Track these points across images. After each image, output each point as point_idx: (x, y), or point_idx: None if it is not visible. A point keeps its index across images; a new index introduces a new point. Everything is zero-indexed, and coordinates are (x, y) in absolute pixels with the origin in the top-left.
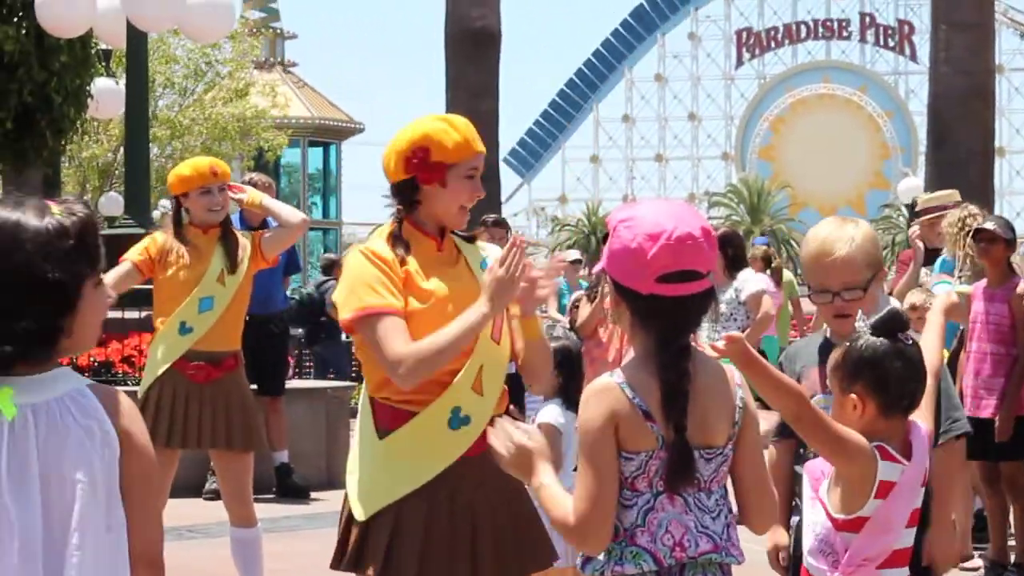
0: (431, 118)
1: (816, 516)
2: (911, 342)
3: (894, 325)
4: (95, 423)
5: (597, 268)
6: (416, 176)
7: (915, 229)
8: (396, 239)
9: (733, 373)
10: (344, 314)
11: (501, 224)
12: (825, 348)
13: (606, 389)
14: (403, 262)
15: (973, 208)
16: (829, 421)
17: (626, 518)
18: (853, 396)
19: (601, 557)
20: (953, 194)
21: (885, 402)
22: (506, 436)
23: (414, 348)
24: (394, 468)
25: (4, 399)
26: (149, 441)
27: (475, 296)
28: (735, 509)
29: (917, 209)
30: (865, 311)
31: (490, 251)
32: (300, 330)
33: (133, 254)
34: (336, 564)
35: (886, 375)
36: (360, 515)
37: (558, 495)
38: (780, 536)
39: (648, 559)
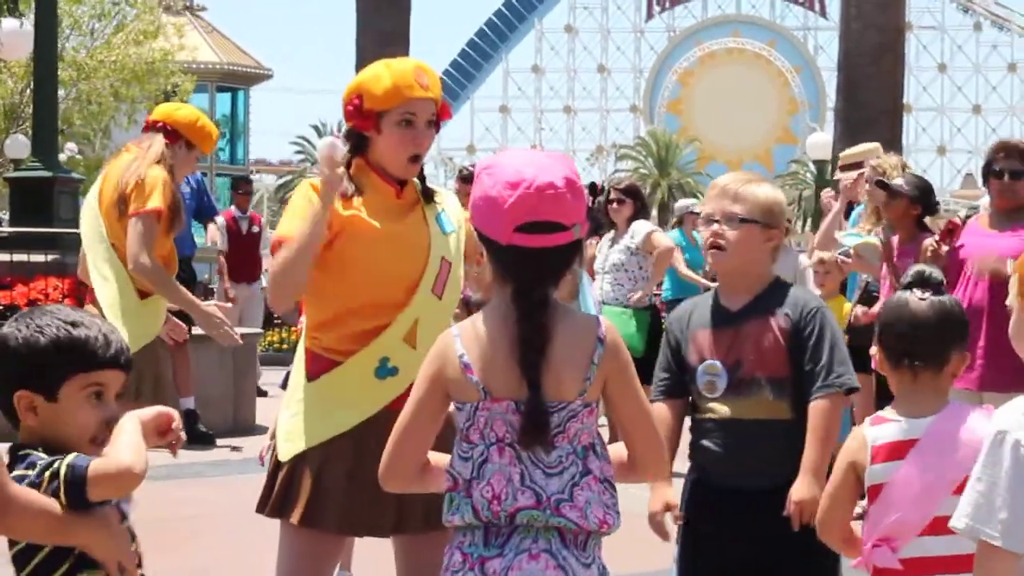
0: (378, 63)
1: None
2: (927, 295)
3: (919, 280)
4: None
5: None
6: (354, 124)
7: (828, 191)
8: (346, 180)
9: (598, 327)
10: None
11: (470, 179)
12: (717, 312)
13: (442, 339)
14: (347, 198)
15: (895, 159)
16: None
17: (464, 470)
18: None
19: (444, 505)
20: (876, 148)
21: (885, 350)
22: None
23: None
24: (318, 413)
25: None
26: None
27: (420, 242)
28: (604, 470)
29: (840, 165)
30: (742, 259)
31: (447, 202)
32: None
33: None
34: (261, 508)
35: (886, 324)
36: (282, 456)
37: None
38: (668, 494)
39: (469, 512)
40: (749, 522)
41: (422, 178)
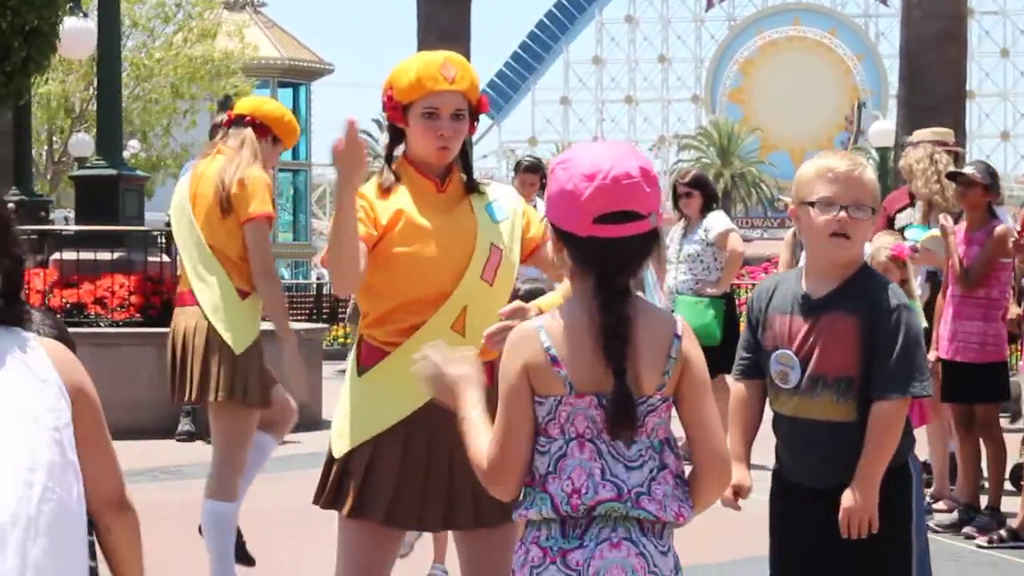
0: (410, 57)
1: None
2: None
3: None
4: (49, 377)
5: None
6: (388, 116)
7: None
8: (385, 171)
9: (677, 323)
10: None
11: (534, 169)
12: (798, 297)
13: (522, 334)
14: (387, 193)
15: (933, 147)
16: None
17: (540, 464)
18: None
19: (518, 500)
20: (948, 133)
21: None
22: (432, 361)
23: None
24: (368, 406)
25: None
26: (93, 389)
27: (466, 233)
28: (678, 465)
29: (914, 140)
30: (860, 249)
31: (498, 192)
32: None
33: None
34: (317, 500)
35: None
36: (335, 452)
37: (478, 431)
38: (743, 476)
39: (548, 505)
40: (823, 518)
41: (468, 171)
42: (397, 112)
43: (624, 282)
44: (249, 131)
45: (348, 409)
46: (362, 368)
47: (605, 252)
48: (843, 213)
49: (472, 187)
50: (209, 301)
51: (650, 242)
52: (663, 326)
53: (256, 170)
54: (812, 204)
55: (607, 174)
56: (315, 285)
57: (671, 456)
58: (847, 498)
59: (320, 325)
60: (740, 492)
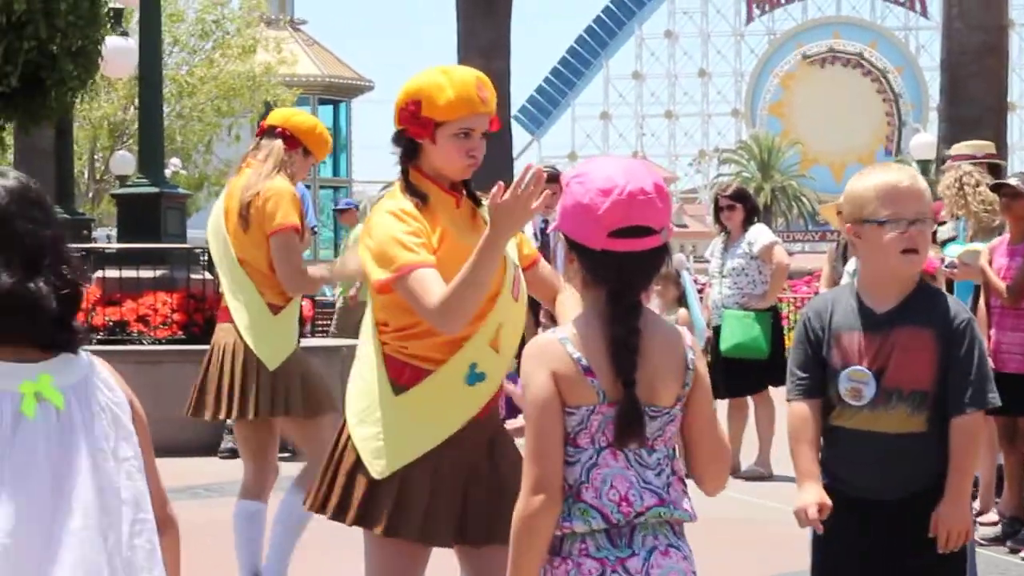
0: (436, 70)
1: None
2: None
3: None
4: (119, 397)
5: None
6: (407, 128)
7: None
8: (410, 190)
9: (685, 335)
10: (379, 275)
11: (554, 179)
12: (862, 313)
13: (545, 346)
14: (424, 211)
15: (967, 166)
16: None
17: (570, 475)
18: None
19: None
20: (988, 146)
21: None
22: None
23: (447, 291)
24: (413, 426)
25: (47, 388)
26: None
27: None
28: (681, 469)
29: (951, 154)
30: (925, 260)
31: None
32: None
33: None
34: (339, 516)
35: None
36: (377, 473)
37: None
38: (822, 494)
39: (596, 516)
40: (885, 531)
41: (466, 184)
42: (426, 128)
43: (635, 295)
44: (278, 143)
45: (386, 426)
46: (398, 387)
47: (618, 266)
48: (912, 228)
49: (479, 202)
50: (243, 320)
51: (660, 257)
52: (676, 339)
53: (278, 181)
54: (881, 223)
55: (623, 189)
56: None
57: (676, 462)
58: (942, 513)
59: (355, 342)
60: (823, 510)
